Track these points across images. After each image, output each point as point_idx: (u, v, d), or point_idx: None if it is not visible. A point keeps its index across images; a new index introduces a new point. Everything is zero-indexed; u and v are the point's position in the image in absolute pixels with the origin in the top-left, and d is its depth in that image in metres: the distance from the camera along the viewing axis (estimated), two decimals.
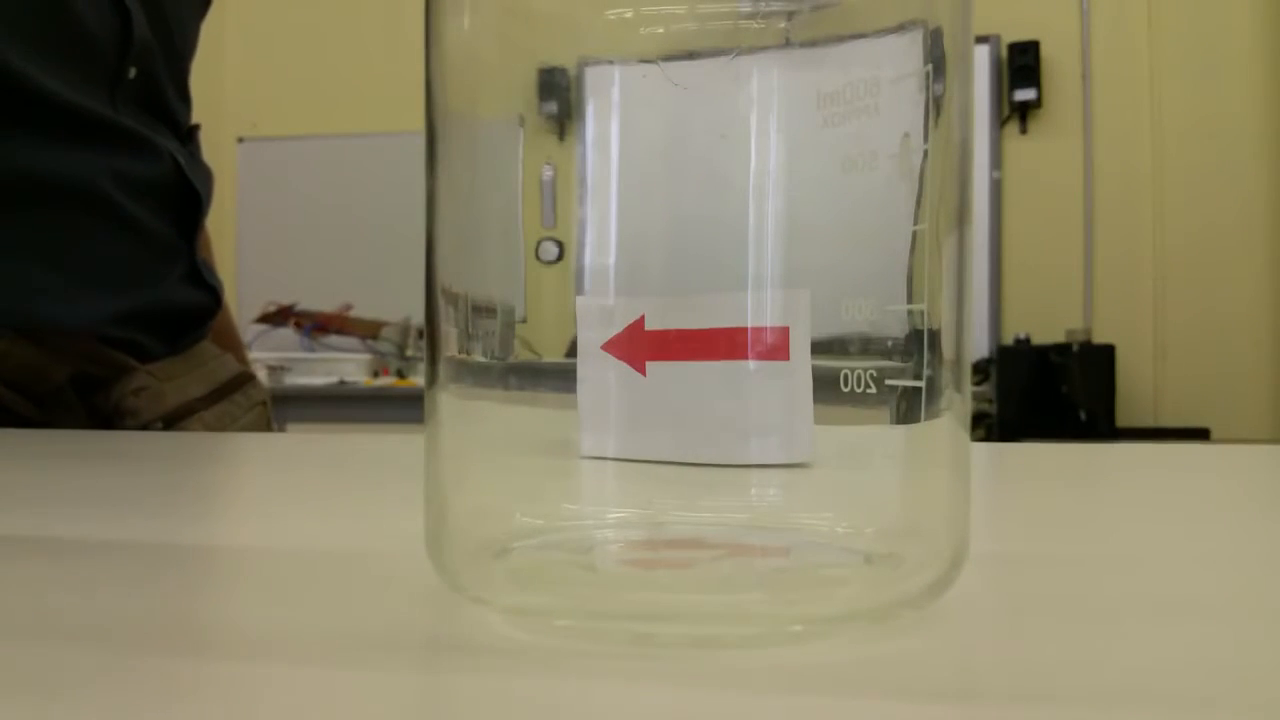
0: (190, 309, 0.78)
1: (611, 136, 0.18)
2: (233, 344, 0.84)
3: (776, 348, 0.18)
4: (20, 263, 0.67)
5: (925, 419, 0.19)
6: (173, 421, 0.71)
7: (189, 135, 0.79)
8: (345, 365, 3.28)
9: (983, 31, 3.43)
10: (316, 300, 3.41)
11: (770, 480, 0.18)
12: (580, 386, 0.18)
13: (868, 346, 0.18)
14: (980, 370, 3.37)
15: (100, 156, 0.69)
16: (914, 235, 0.19)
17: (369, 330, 3.34)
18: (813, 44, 0.18)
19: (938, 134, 0.19)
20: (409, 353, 3.31)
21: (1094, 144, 3.53)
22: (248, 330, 3.34)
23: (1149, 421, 3.42)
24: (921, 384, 0.19)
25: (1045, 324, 3.43)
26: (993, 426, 3.27)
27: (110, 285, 0.71)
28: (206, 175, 0.79)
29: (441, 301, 0.20)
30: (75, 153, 0.68)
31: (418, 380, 3.10)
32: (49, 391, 0.68)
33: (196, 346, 0.78)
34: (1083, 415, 3.24)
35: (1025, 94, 3.50)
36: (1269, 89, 3.41)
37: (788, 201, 0.18)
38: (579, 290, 0.19)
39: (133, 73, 0.71)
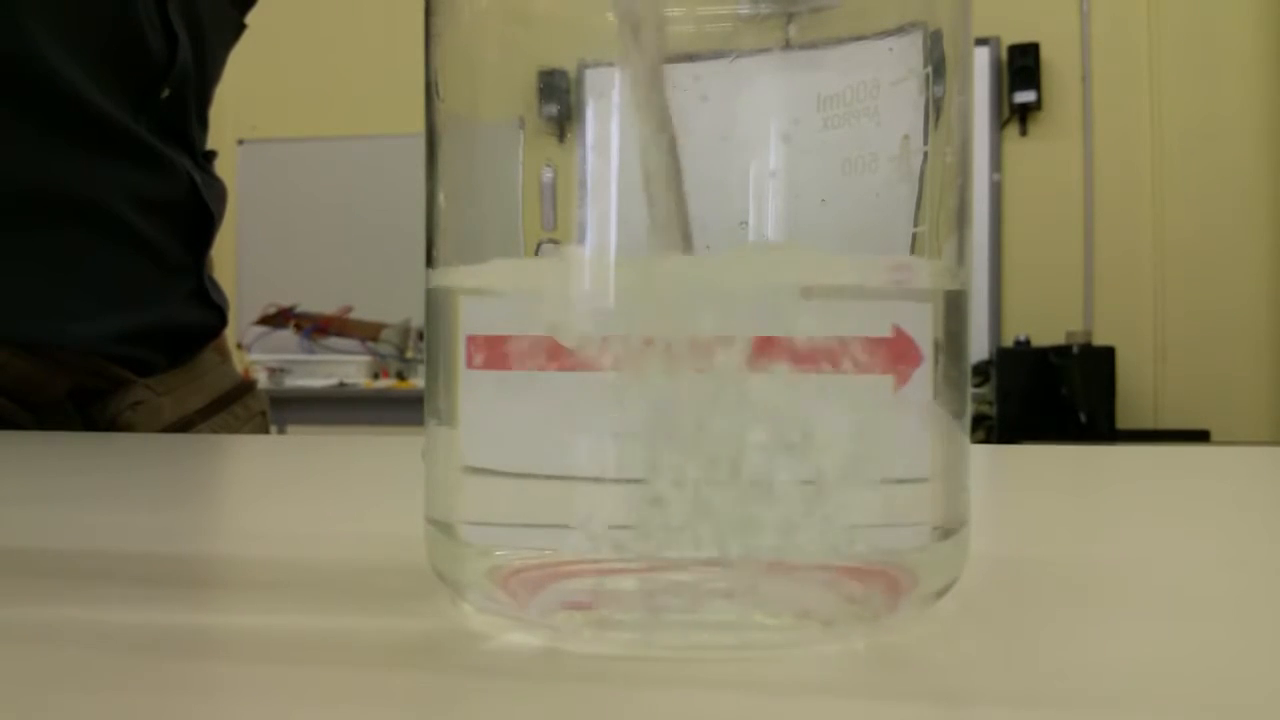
0: (194, 327, 0.78)
1: (612, 138, 0.18)
2: (220, 347, 0.84)
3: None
4: (25, 278, 0.67)
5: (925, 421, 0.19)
6: None
7: (205, 159, 0.80)
8: (345, 367, 3.28)
9: (982, 33, 3.43)
10: (316, 302, 3.41)
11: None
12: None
13: None
14: (980, 372, 3.37)
15: (118, 171, 0.69)
16: (914, 237, 0.19)
17: (369, 332, 3.34)
18: (812, 46, 0.18)
19: (938, 136, 0.19)
20: (409, 355, 3.32)
21: (1094, 145, 3.53)
22: (248, 332, 3.34)
23: (1149, 423, 3.42)
24: None
25: (1045, 325, 3.44)
26: (993, 428, 3.27)
27: (115, 303, 0.71)
28: (220, 194, 0.79)
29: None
30: (95, 165, 0.68)
31: (418, 382, 3.10)
32: (46, 403, 0.68)
33: (197, 356, 0.78)
34: (1083, 417, 3.24)
35: (1025, 96, 3.51)
36: (1269, 89, 3.41)
37: (788, 203, 0.18)
38: None
39: (166, 93, 0.71)
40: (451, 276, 0.20)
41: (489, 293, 0.19)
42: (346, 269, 3.74)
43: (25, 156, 0.66)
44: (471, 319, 0.19)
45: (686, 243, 0.18)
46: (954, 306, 0.19)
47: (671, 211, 0.18)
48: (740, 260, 0.18)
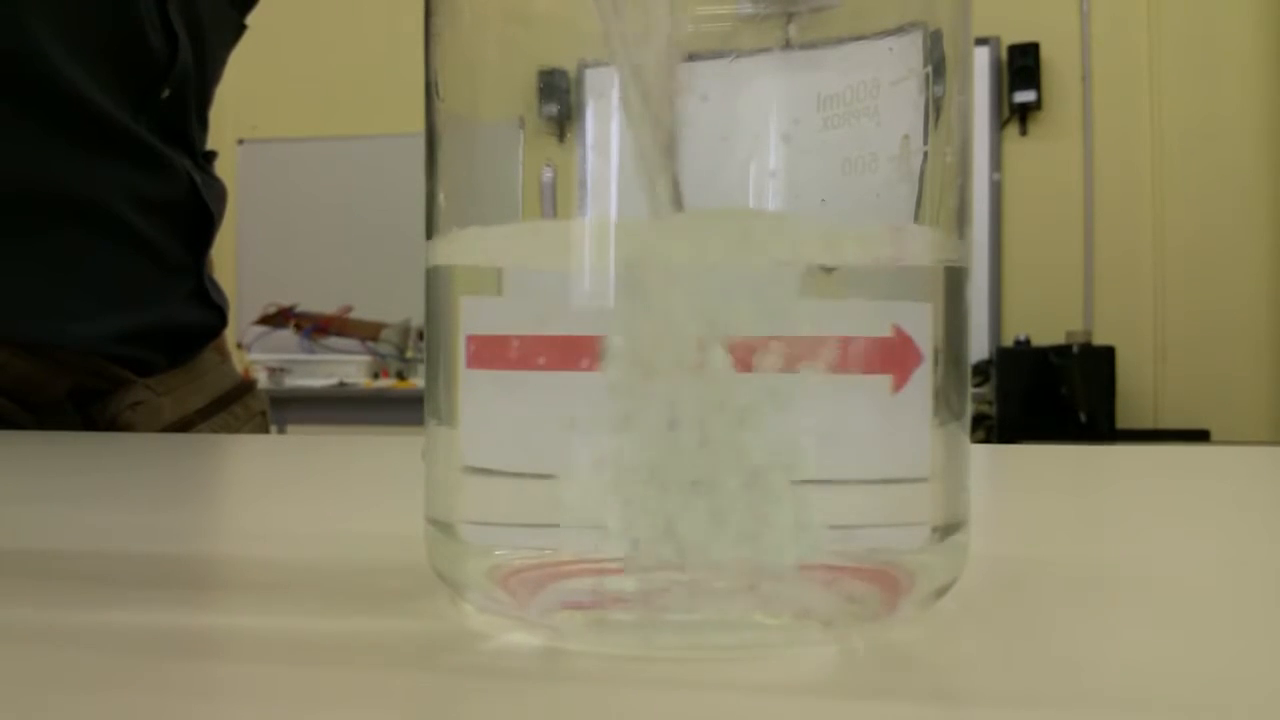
0: (194, 327, 0.78)
1: (612, 138, 0.18)
2: (220, 347, 0.84)
3: None
4: (25, 278, 0.67)
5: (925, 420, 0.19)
6: None
7: (205, 159, 0.80)
8: (345, 367, 3.29)
9: (982, 33, 3.43)
10: (316, 302, 3.41)
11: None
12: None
13: None
14: (980, 372, 3.37)
15: (118, 171, 0.69)
16: None
17: (369, 332, 3.34)
18: (813, 46, 0.18)
19: (938, 136, 0.19)
20: (409, 354, 3.32)
21: (1094, 145, 3.53)
22: (248, 332, 3.34)
23: (1149, 423, 3.42)
24: None
25: (1045, 325, 3.43)
26: (993, 428, 3.27)
27: (115, 303, 0.71)
28: (220, 194, 0.79)
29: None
30: (96, 165, 0.68)
31: (418, 382, 3.10)
32: (46, 403, 0.68)
33: (197, 356, 0.78)
34: (1083, 417, 3.24)
35: (1025, 96, 3.51)
36: (1269, 89, 3.41)
37: (788, 203, 0.18)
38: None
39: (166, 93, 0.72)
40: (446, 252, 0.20)
41: (482, 269, 0.19)
42: (346, 269, 3.74)
43: (26, 156, 0.66)
44: (471, 318, 0.19)
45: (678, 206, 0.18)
46: (954, 297, 0.19)
47: (667, 176, 0.18)
48: (743, 242, 0.18)
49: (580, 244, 0.18)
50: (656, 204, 0.18)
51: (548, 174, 0.19)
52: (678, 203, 0.18)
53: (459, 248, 0.20)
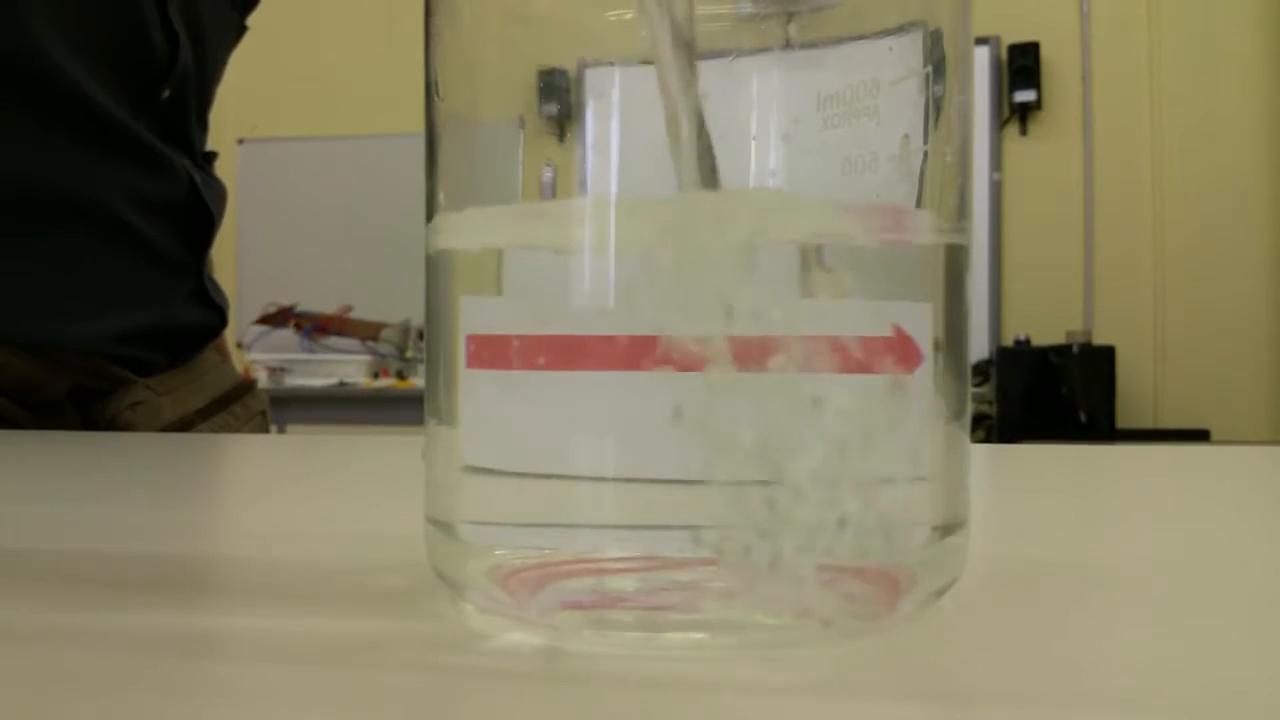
0: (194, 327, 0.78)
1: (612, 138, 0.18)
2: (220, 347, 0.84)
3: None
4: (25, 278, 0.67)
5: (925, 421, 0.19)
6: None
7: (205, 160, 0.80)
8: (345, 367, 3.29)
9: (983, 33, 3.43)
10: (316, 301, 3.41)
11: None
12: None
13: None
14: (980, 372, 3.37)
15: (118, 171, 0.69)
16: None
17: (369, 332, 3.34)
18: (813, 45, 0.18)
19: (938, 135, 0.19)
20: (409, 354, 3.32)
21: (1094, 145, 3.53)
22: (248, 332, 3.34)
23: (1149, 423, 3.42)
24: None
25: (1045, 325, 3.44)
26: (993, 428, 3.27)
27: (115, 303, 0.71)
28: (220, 194, 0.79)
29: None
30: (96, 164, 0.68)
31: (418, 382, 3.10)
32: (46, 403, 0.68)
33: (197, 356, 0.78)
34: (1083, 416, 3.24)
35: (1025, 95, 3.51)
36: (1269, 89, 3.41)
37: None
38: None
39: (166, 93, 0.72)
40: (443, 236, 0.20)
41: (481, 253, 0.19)
42: (346, 269, 3.74)
43: (26, 155, 0.66)
44: (471, 317, 0.19)
45: (714, 179, 0.18)
46: (954, 296, 0.19)
47: (697, 150, 0.18)
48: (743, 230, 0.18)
49: (579, 230, 0.18)
50: (692, 180, 0.18)
51: (548, 174, 0.19)
52: (714, 179, 0.18)
53: (457, 228, 0.20)
